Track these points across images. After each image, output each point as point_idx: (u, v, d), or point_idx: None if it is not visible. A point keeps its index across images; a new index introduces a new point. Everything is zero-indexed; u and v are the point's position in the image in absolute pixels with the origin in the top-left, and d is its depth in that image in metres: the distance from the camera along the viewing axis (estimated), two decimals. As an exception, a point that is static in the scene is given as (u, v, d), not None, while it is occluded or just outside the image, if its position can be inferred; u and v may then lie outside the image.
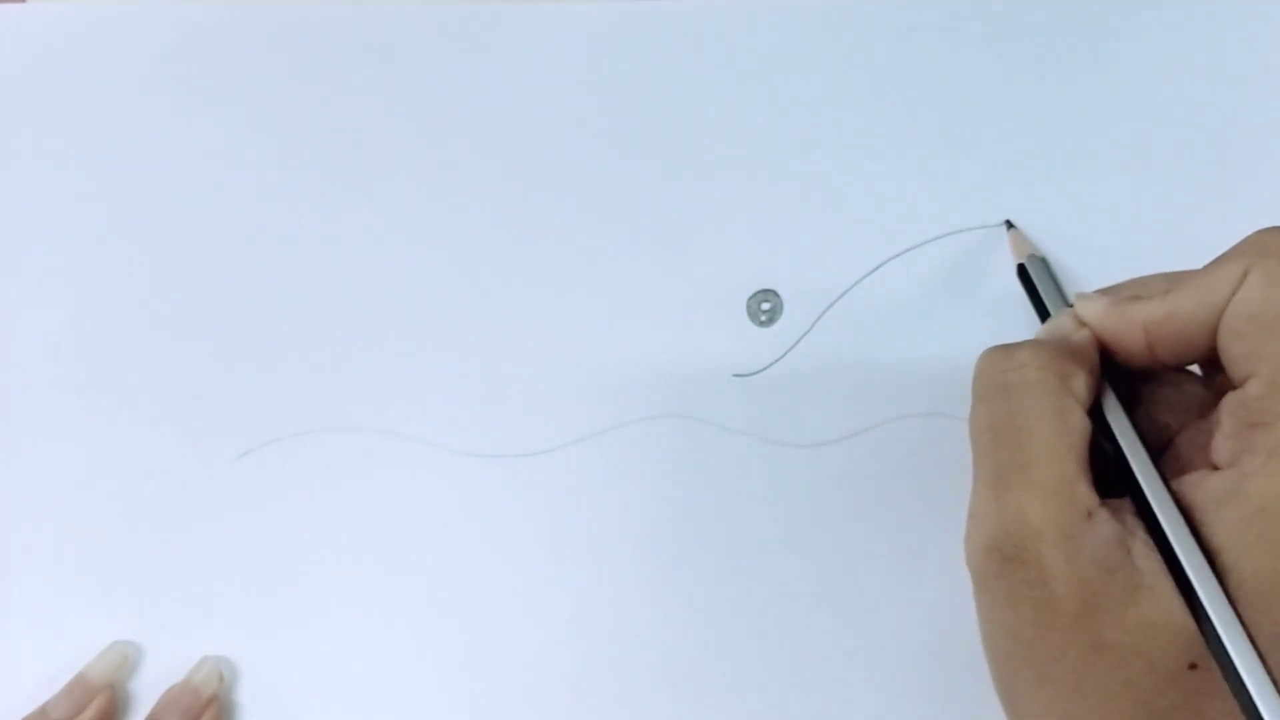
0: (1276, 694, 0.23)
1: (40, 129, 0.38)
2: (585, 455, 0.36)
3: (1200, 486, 0.25)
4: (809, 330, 0.36)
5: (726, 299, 0.36)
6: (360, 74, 0.38)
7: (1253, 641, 0.23)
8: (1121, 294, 0.29)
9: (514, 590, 0.36)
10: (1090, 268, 0.36)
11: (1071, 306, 0.29)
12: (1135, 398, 0.29)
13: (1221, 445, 0.26)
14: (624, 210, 0.37)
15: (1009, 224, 0.36)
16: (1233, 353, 0.26)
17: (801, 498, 0.35)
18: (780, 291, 0.37)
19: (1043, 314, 0.32)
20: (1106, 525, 0.25)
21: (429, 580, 0.36)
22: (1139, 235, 0.36)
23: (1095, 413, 0.27)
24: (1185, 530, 0.25)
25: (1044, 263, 0.34)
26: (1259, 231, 0.27)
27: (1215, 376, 0.28)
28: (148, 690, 0.36)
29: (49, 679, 0.35)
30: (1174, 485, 0.26)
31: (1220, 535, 0.25)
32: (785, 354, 0.36)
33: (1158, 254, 0.36)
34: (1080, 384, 0.27)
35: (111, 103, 0.38)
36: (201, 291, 0.38)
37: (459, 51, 0.38)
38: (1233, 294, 0.26)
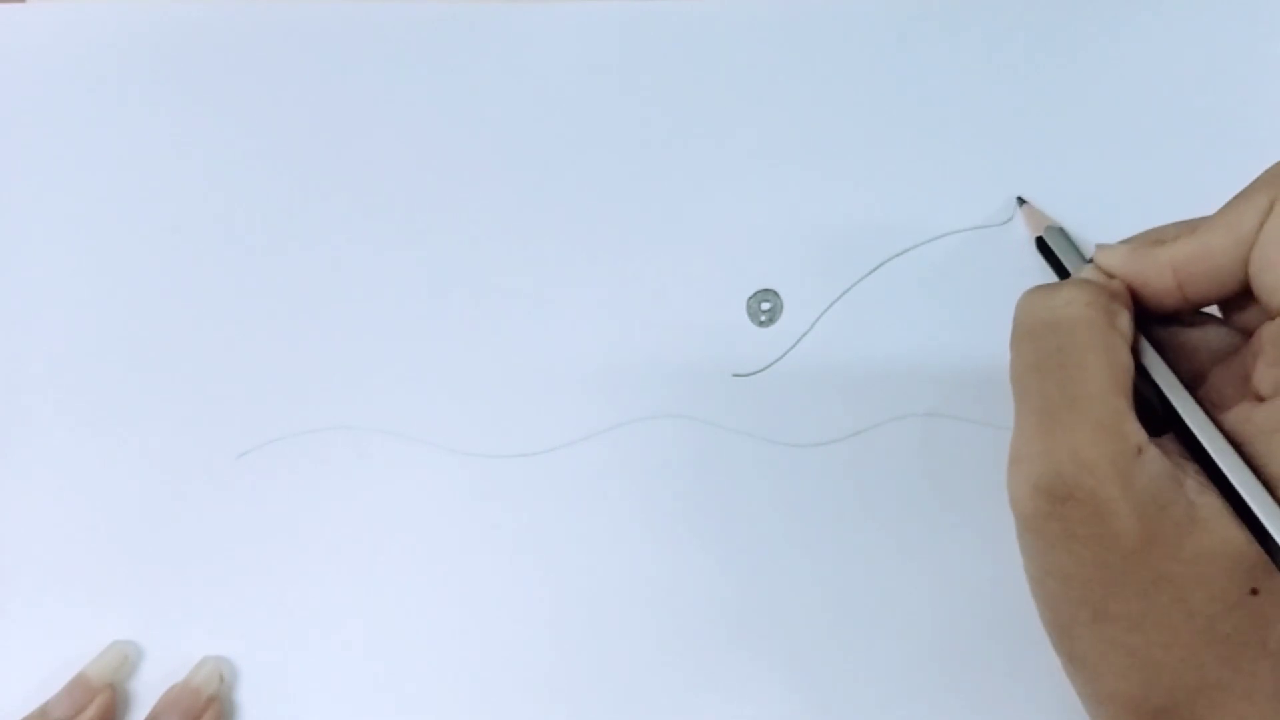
0: None
1: (40, 129, 0.38)
2: (585, 455, 0.36)
3: (1249, 419, 0.26)
4: (809, 330, 0.36)
5: (726, 299, 0.36)
6: (360, 74, 0.38)
7: None
8: (1143, 241, 0.29)
9: (514, 590, 0.36)
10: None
11: (1091, 263, 0.29)
12: (1159, 345, 0.29)
13: (1265, 375, 0.26)
14: (624, 210, 0.37)
15: (1021, 200, 0.36)
16: (1268, 282, 0.26)
17: (801, 498, 0.35)
18: (780, 291, 0.37)
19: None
20: (1158, 461, 0.25)
21: (429, 580, 0.36)
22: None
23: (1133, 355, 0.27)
24: (1237, 457, 0.25)
25: (1062, 232, 0.34)
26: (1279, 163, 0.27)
27: (1237, 314, 0.28)
28: (148, 690, 0.36)
29: (49, 679, 0.35)
30: (1220, 420, 0.26)
31: (1277, 463, 0.25)
32: (785, 354, 0.36)
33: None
34: (1125, 321, 0.27)
35: (112, 103, 0.38)
36: (202, 291, 0.38)
37: (459, 51, 0.38)
38: (1261, 224, 0.26)
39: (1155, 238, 0.28)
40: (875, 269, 0.36)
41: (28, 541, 0.37)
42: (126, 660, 0.36)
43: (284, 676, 0.36)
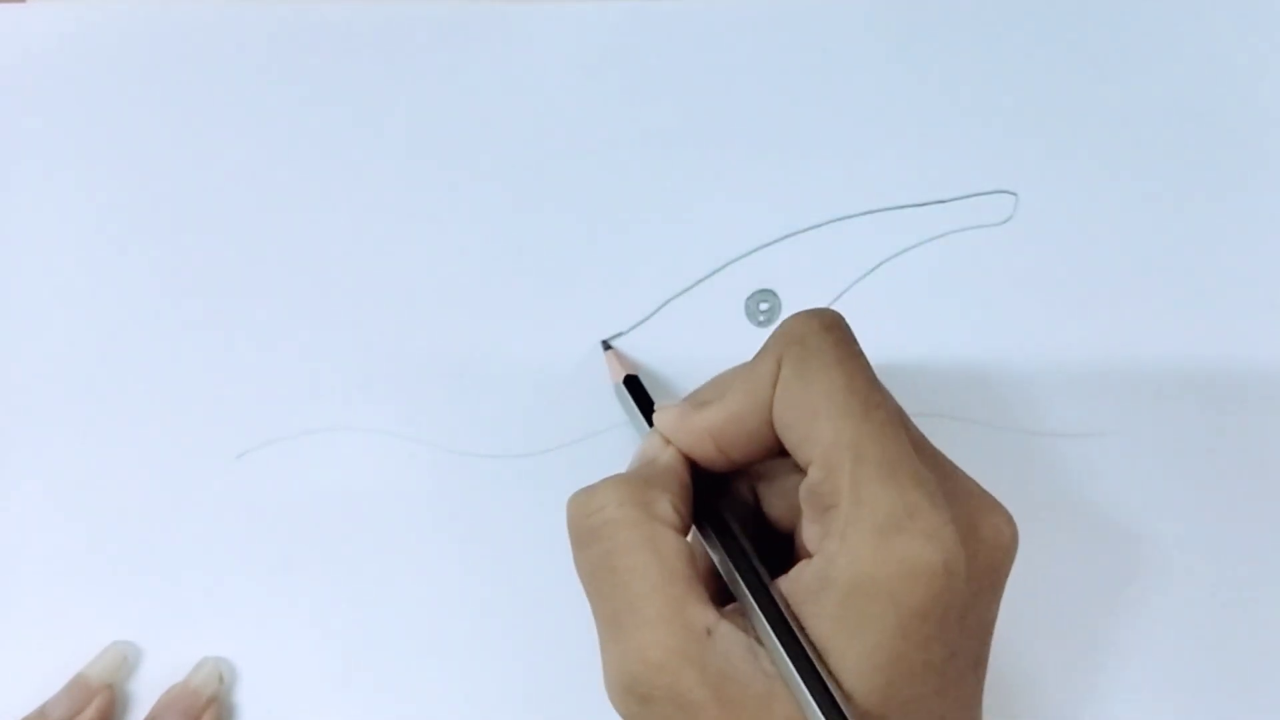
0: None
1: (40, 129, 0.38)
2: (585, 455, 0.36)
3: (798, 579, 0.25)
4: (808, 330, 0.36)
5: (726, 299, 0.37)
6: (360, 74, 0.38)
7: None
8: (693, 401, 0.29)
9: (513, 590, 0.36)
10: (1091, 270, 0.36)
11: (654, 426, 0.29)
12: (760, 497, 0.29)
13: (808, 532, 0.26)
14: (623, 210, 0.37)
15: (605, 344, 0.36)
16: (790, 443, 0.26)
17: (801, 497, 0.35)
18: (779, 291, 0.37)
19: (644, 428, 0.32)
20: (729, 637, 0.25)
21: (428, 580, 0.36)
22: (1141, 236, 0.36)
23: (705, 520, 0.28)
24: (768, 631, 0.25)
25: (635, 380, 0.34)
26: (786, 319, 0.27)
27: None
28: (148, 690, 0.36)
29: (49, 679, 0.35)
30: (779, 582, 0.26)
31: (823, 625, 0.24)
32: (785, 354, 0.36)
33: (1161, 266, 0.36)
34: (665, 507, 0.27)
35: (112, 103, 0.38)
36: (201, 291, 0.37)
37: (459, 51, 0.38)
38: (774, 387, 0.26)
39: (704, 397, 0.28)
40: (875, 269, 0.36)
41: (28, 541, 0.37)
42: (126, 660, 0.36)
43: (284, 676, 0.36)
